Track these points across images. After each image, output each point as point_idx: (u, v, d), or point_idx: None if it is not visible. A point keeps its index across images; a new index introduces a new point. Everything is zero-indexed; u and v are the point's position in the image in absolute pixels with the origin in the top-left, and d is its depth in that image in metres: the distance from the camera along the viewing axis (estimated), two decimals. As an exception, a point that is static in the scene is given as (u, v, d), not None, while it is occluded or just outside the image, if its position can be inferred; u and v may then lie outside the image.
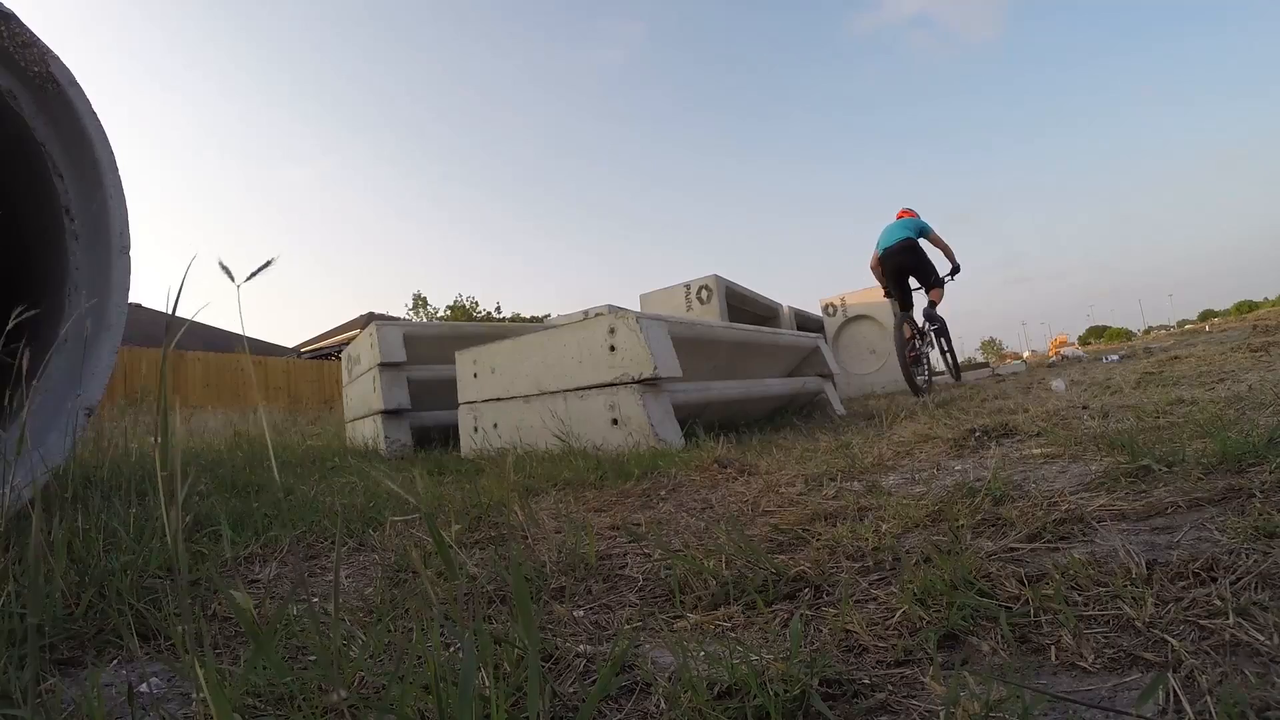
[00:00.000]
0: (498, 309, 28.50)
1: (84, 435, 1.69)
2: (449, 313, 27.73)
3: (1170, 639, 0.61)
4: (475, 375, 3.46)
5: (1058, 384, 3.93)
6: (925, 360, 5.79)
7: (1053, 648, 0.64)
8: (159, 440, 0.52)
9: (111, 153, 1.78)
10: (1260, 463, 1.12)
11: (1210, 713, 0.50)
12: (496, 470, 2.26)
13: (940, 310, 6.01)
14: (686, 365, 2.82)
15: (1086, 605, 0.71)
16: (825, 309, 8.51)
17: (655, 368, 2.57)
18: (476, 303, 28.29)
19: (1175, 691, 0.54)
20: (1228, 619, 0.62)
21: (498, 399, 3.29)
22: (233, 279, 0.54)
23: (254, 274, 0.55)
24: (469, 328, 5.28)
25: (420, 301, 28.12)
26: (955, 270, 5.98)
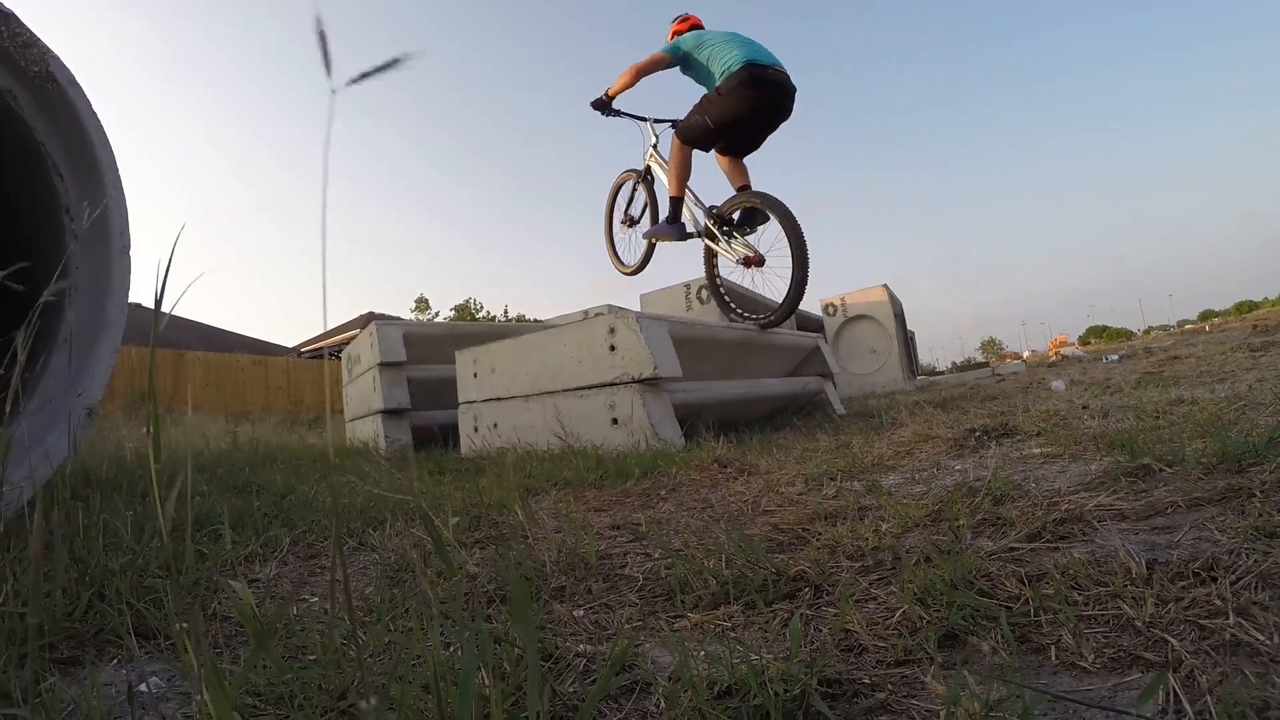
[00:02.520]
0: (505, 312, 28.73)
1: (85, 435, 1.69)
2: (454, 313, 27.94)
3: (1170, 639, 0.61)
4: (475, 375, 3.46)
5: (1058, 384, 3.93)
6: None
7: (1053, 647, 0.64)
8: (150, 430, 0.52)
9: (111, 153, 1.78)
10: (1260, 462, 1.12)
11: (1210, 712, 0.50)
12: (496, 470, 2.26)
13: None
14: (687, 365, 2.82)
15: (1086, 605, 0.71)
16: (825, 309, 8.52)
17: (655, 367, 2.57)
18: (481, 305, 28.48)
19: (1175, 691, 0.54)
20: (1228, 619, 0.62)
21: (498, 399, 3.29)
22: (329, 74, 0.39)
23: (368, 74, 0.40)
24: (469, 327, 5.29)
25: (422, 304, 28.25)
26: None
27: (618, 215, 4.69)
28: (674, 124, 3.89)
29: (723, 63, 3.61)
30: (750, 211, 3.76)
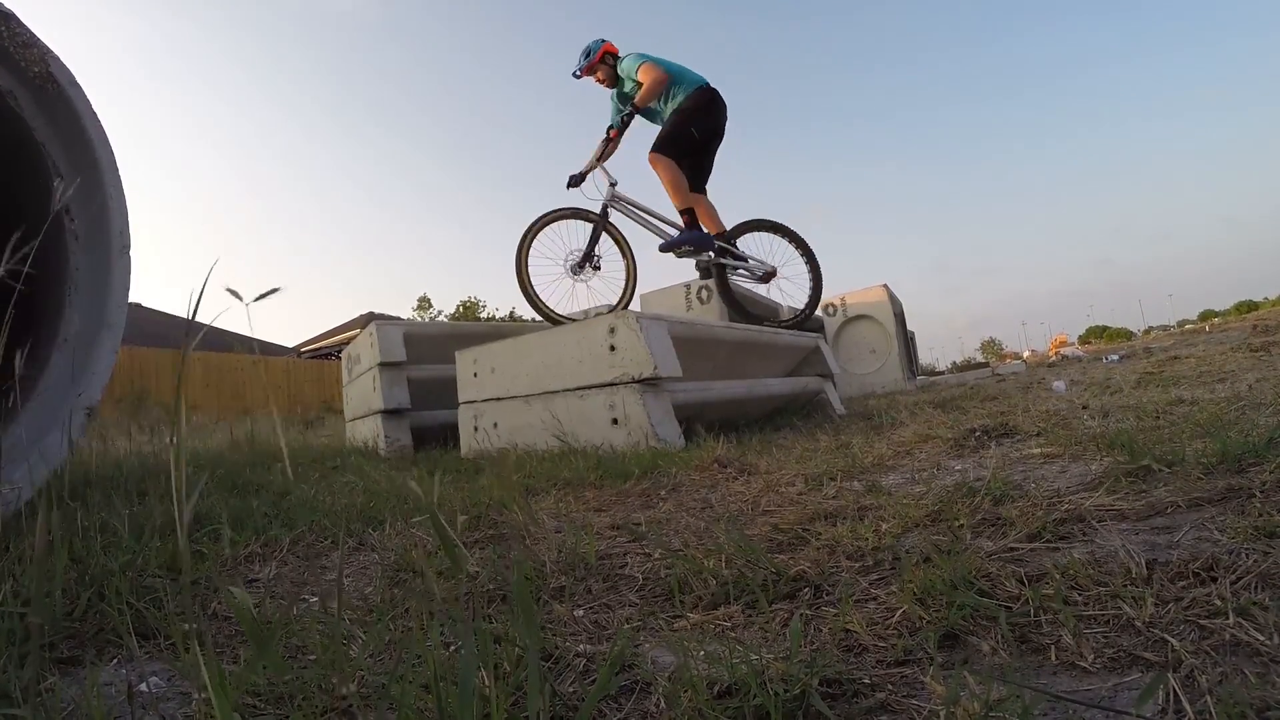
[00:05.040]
0: (504, 312, 28.80)
1: (84, 435, 1.69)
2: (461, 310, 28.03)
3: (1170, 639, 0.61)
4: (475, 375, 3.46)
5: (1058, 384, 3.93)
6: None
7: (1053, 647, 0.64)
8: (175, 442, 0.52)
9: (111, 152, 1.78)
10: (1260, 462, 1.12)
11: (1210, 713, 0.50)
12: (496, 470, 2.26)
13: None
14: (687, 365, 2.82)
15: (1086, 605, 0.71)
16: (825, 309, 8.51)
17: (655, 367, 2.57)
18: (483, 303, 28.53)
19: (1175, 691, 0.54)
20: (1228, 619, 0.62)
21: (498, 399, 3.29)
22: (240, 299, 0.59)
23: (261, 297, 0.60)
24: (469, 327, 5.29)
25: (424, 304, 28.31)
26: None
27: (537, 259, 3.94)
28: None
29: (689, 80, 4.08)
30: (741, 239, 4.21)
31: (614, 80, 4.23)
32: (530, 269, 3.82)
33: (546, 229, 3.94)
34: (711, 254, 4.14)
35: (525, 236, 3.84)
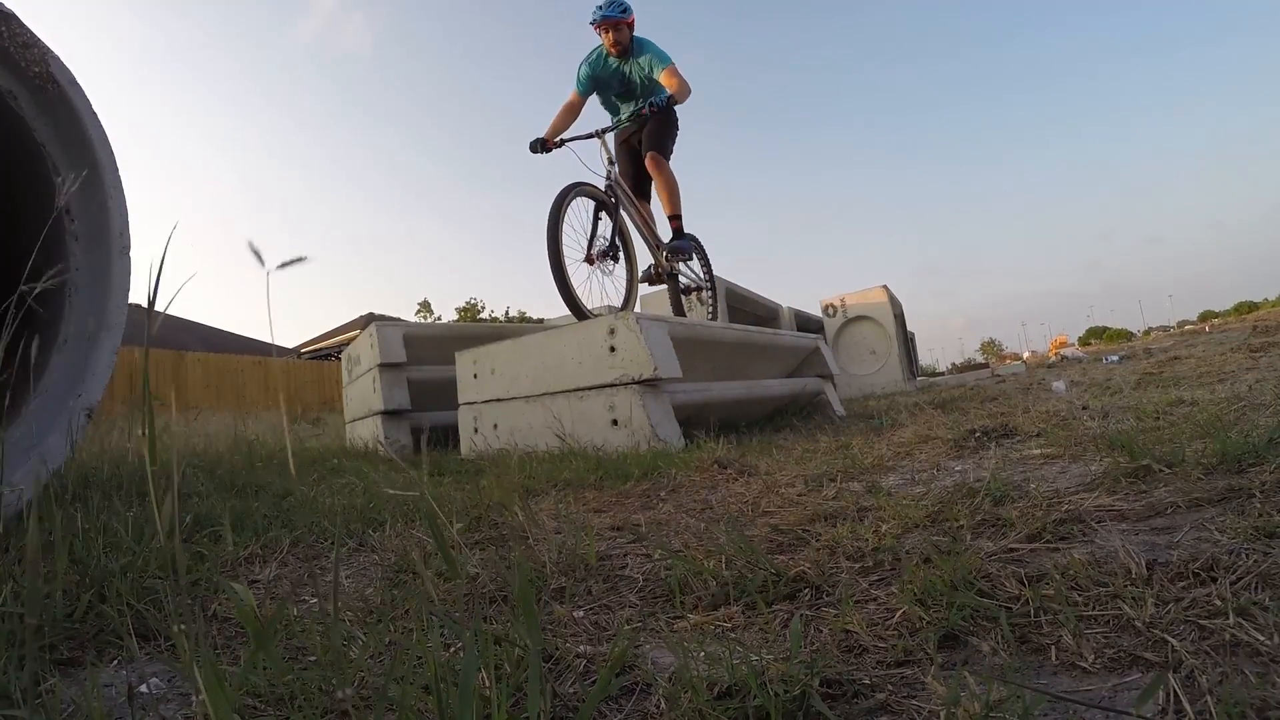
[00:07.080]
0: (507, 314, 28.87)
1: (84, 436, 1.69)
2: (461, 313, 28.14)
3: (1170, 639, 0.61)
4: (475, 376, 3.46)
5: (1058, 385, 3.93)
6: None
7: (1053, 648, 0.64)
8: (145, 433, 0.52)
9: (111, 153, 1.78)
10: (1260, 463, 1.12)
11: (1210, 713, 0.50)
12: (497, 471, 2.26)
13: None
14: (686, 366, 2.82)
15: (1086, 605, 0.71)
16: (825, 310, 8.52)
17: (655, 368, 2.57)
18: (483, 305, 28.61)
19: (1175, 691, 0.54)
20: (1228, 619, 0.62)
21: (498, 400, 3.29)
22: (262, 263, 0.52)
23: (287, 264, 0.53)
24: (468, 328, 5.29)
25: (425, 308, 28.39)
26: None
27: (570, 243, 3.37)
28: (656, 147, 3.80)
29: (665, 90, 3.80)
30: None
31: (624, 52, 3.76)
32: (565, 251, 3.24)
33: (570, 208, 3.34)
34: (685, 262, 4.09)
35: (555, 213, 3.22)
